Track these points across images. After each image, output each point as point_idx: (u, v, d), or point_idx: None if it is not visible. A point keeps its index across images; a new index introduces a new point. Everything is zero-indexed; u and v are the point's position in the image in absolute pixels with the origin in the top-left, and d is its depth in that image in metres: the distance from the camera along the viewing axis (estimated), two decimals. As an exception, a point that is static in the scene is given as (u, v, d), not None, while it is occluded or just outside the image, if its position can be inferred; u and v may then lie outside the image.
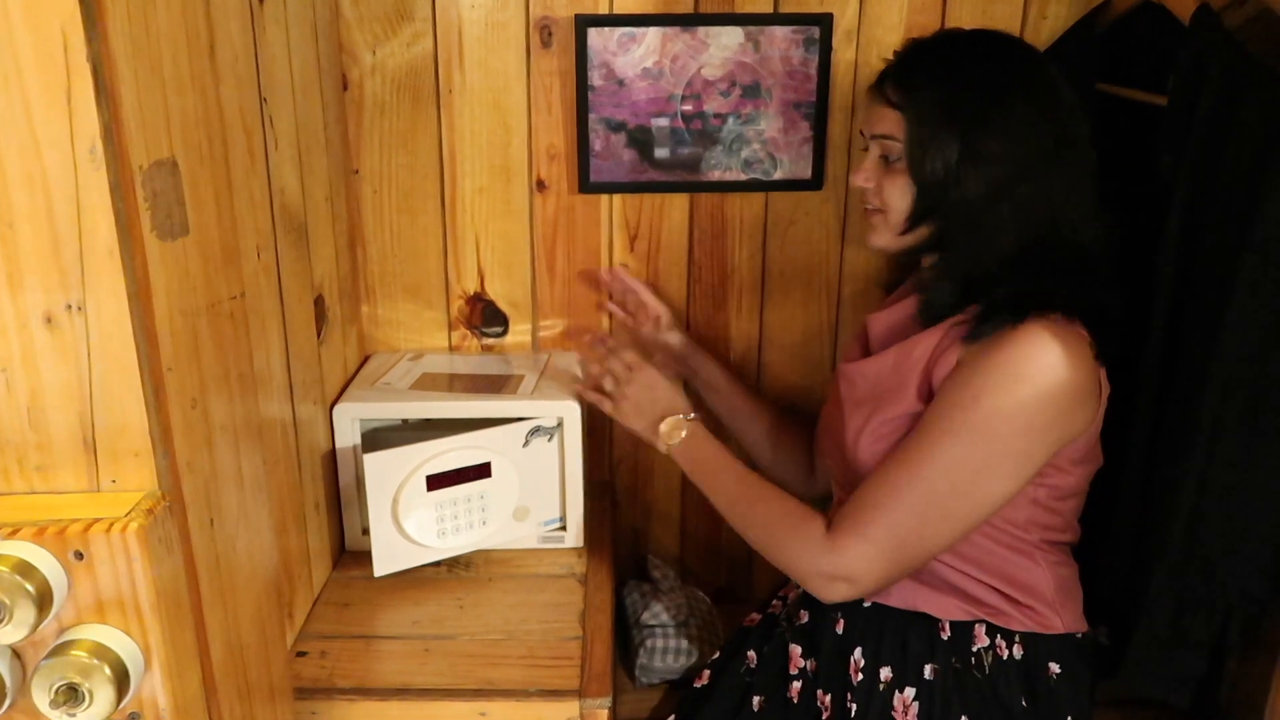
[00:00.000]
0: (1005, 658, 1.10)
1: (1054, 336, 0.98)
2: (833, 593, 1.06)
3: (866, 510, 1.03)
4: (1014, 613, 1.10)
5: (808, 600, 1.20)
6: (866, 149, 1.13)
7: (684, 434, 1.20)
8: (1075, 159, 1.05)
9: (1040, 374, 0.98)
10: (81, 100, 0.63)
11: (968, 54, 1.08)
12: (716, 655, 1.28)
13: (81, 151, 0.64)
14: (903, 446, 1.05)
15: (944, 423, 1.01)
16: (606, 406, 1.26)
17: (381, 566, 1.27)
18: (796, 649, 1.18)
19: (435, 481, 1.27)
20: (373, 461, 1.23)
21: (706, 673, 1.26)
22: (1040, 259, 1.03)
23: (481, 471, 1.29)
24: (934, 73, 1.07)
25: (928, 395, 1.06)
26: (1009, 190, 1.02)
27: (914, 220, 1.08)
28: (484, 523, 1.31)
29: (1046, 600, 1.10)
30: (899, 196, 1.08)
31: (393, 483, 1.25)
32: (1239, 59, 1.03)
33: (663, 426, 1.21)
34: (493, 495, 1.30)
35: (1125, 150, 1.23)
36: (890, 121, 1.07)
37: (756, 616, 1.31)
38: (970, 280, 1.05)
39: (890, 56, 1.13)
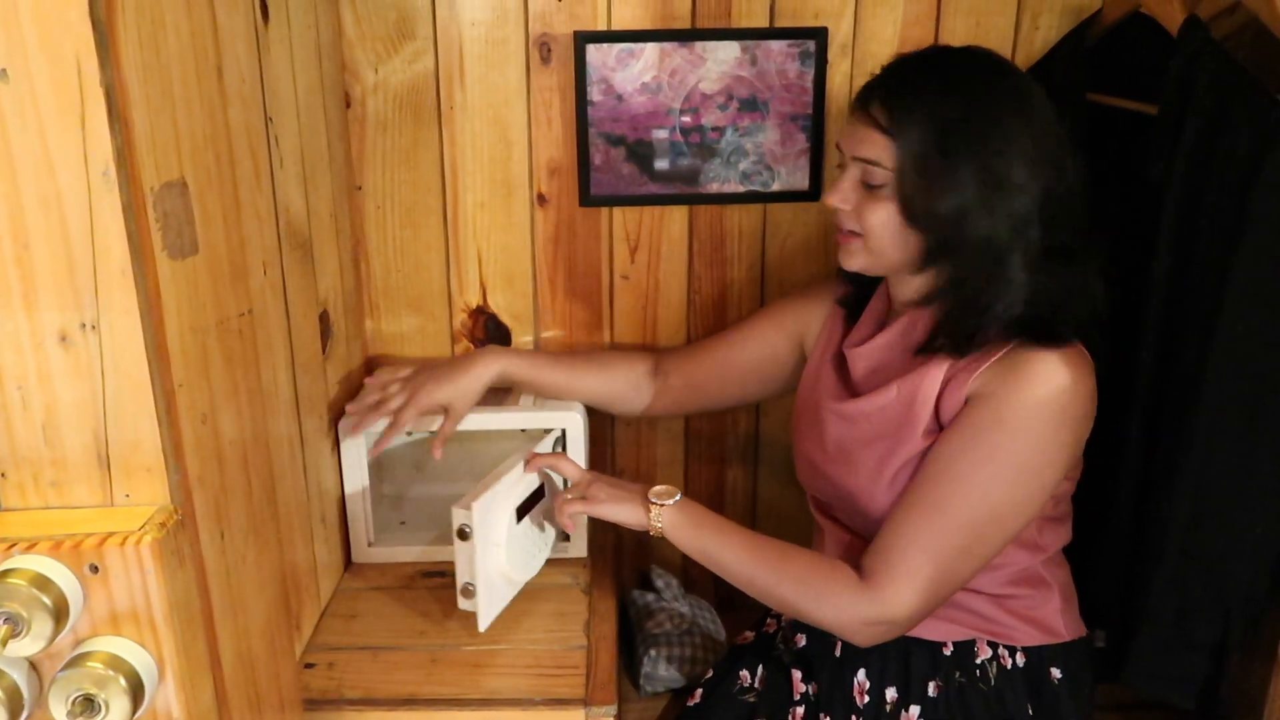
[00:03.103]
0: (1009, 667, 1.10)
1: (1068, 362, 1.00)
2: (872, 637, 1.04)
3: (907, 551, 1.01)
4: (1020, 626, 1.11)
5: (803, 624, 1.20)
6: (841, 165, 1.09)
7: (678, 497, 1.12)
8: (1074, 177, 1.03)
9: (1060, 398, 0.99)
10: (95, 124, 0.65)
11: (964, 76, 1.03)
12: (710, 675, 1.28)
13: (95, 174, 0.66)
14: (929, 481, 1.02)
15: (974, 452, 1.00)
16: (579, 506, 1.16)
17: (487, 619, 1.20)
18: (797, 673, 1.18)
19: (520, 511, 1.23)
20: (479, 508, 1.14)
21: (699, 691, 1.25)
22: (1051, 282, 1.01)
23: (541, 491, 1.27)
24: (933, 98, 1.01)
25: (935, 430, 1.05)
26: (1028, 219, 0.99)
27: (926, 260, 1.04)
28: (546, 543, 1.30)
29: (1055, 608, 1.11)
30: (882, 223, 1.04)
31: (499, 524, 1.19)
32: (1227, 68, 1.05)
33: (654, 491, 1.13)
34: (547, 507, 1.28)
35: (1117, 159, 1.24)
36: (879, 147, 1.02)
37: (750, 635, 1.30)
38: (990, 313, 1.02)
39: (876, 71, 1.07)
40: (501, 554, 1.19)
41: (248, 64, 1.00)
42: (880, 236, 1.05)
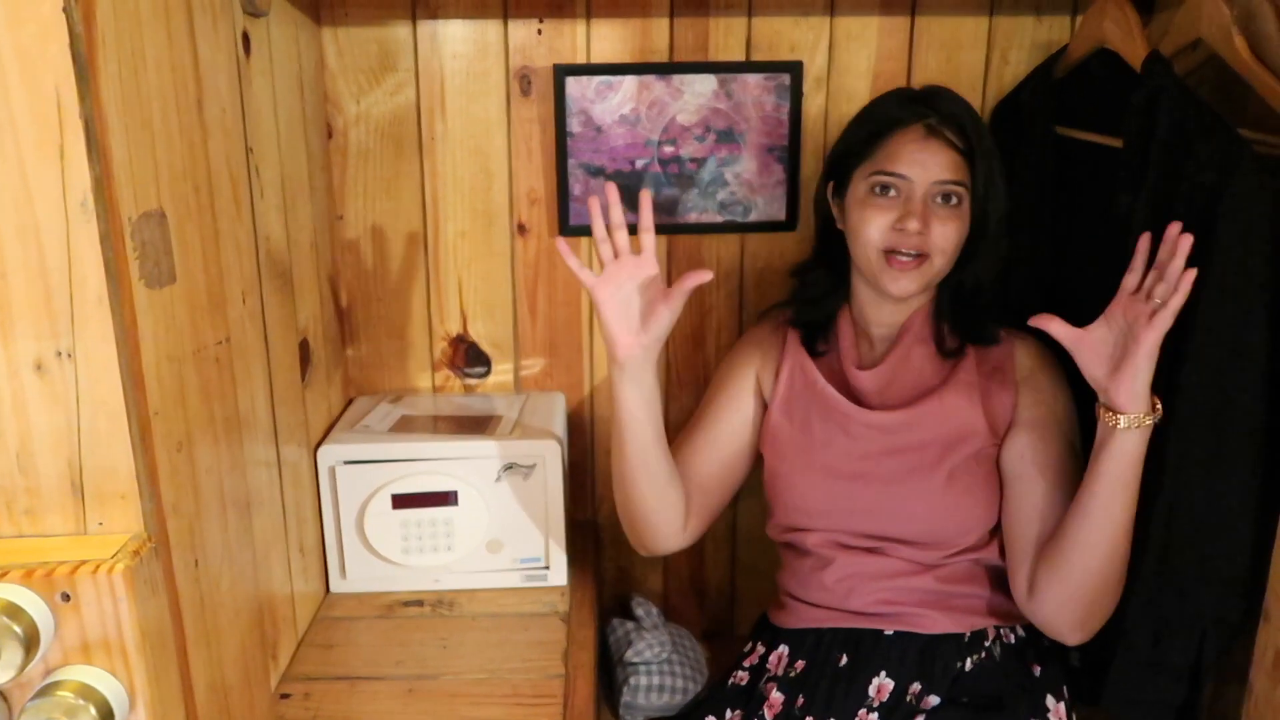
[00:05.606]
0: (1012, 641, 1.20)
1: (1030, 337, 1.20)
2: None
3: None
4: (1016, 610, 1.18)
5: (801, 651, 1.21)
6: (885, 192, 1.13)
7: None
8: None
9: (1052, 356, 1.19)
10: (74, 155, 0.66)
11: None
12: None
13: (73, 204, 0.67)
14: (1061, 474, 1.13)
15: (1065, 439, 1.15)
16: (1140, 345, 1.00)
17: (344, 581, 1.34)
18: (780, 696, 1.18)
19: (401, 501, 1.32)
20: (345, 473, 1.32)
21: None
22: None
23: (448, 499, 1.33)
24: (973, 117, 1.15)
25: (986, 427, 1.17)
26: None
27: (963, 261, 1.16)
28: (450, 548, 1.35)
29: None
30: (956, 241, 1.13)
31: (360, 494, 1.32)
32: (1188, 102, 1.07)
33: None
34: (460, 523, 1.33)
35: (1084, 190, 1.27)
36: (959, 168, 1.13)
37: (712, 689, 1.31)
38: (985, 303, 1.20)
39: (853, 104, 1.17)
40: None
41: (229, 96, 1.01)
42: (950, 253, 1.14)
